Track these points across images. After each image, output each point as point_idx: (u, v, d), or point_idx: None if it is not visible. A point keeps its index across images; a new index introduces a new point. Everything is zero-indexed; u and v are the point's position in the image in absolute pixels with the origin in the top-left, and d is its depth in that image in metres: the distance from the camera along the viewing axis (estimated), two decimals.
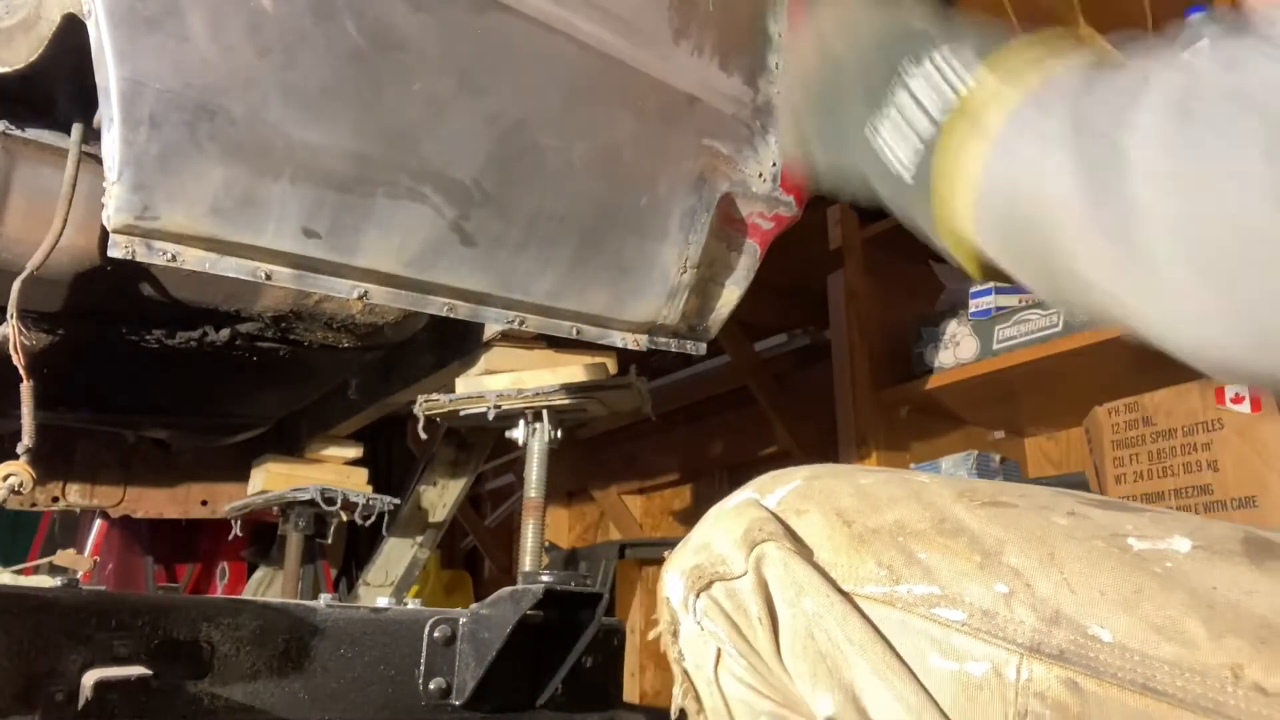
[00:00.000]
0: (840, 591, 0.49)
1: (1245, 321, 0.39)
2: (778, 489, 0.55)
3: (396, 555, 1.97)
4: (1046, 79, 0.47)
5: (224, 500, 2.23)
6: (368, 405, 1.86)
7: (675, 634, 0.55)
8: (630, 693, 2.60)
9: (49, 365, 1.38)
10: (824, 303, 2.02)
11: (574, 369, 1.47)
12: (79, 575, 0.86)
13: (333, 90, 0.96)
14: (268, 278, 0.99)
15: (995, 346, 1.62)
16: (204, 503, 2.32)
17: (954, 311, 1.73)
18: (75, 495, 2.18)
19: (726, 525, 0.53)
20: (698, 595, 0.53)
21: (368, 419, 1.95)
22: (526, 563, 1.44)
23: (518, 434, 1.49)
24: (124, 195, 0.88)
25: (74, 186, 1.06)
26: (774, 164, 1.33)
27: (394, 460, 2.66)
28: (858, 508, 0.52)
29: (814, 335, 2.24)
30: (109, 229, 0.90)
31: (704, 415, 2.62)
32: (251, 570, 2.57)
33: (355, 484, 1.94)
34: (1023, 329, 1.59)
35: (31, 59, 0.95)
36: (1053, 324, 1.54)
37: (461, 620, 1.00)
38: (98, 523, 2.51)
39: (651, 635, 0.57)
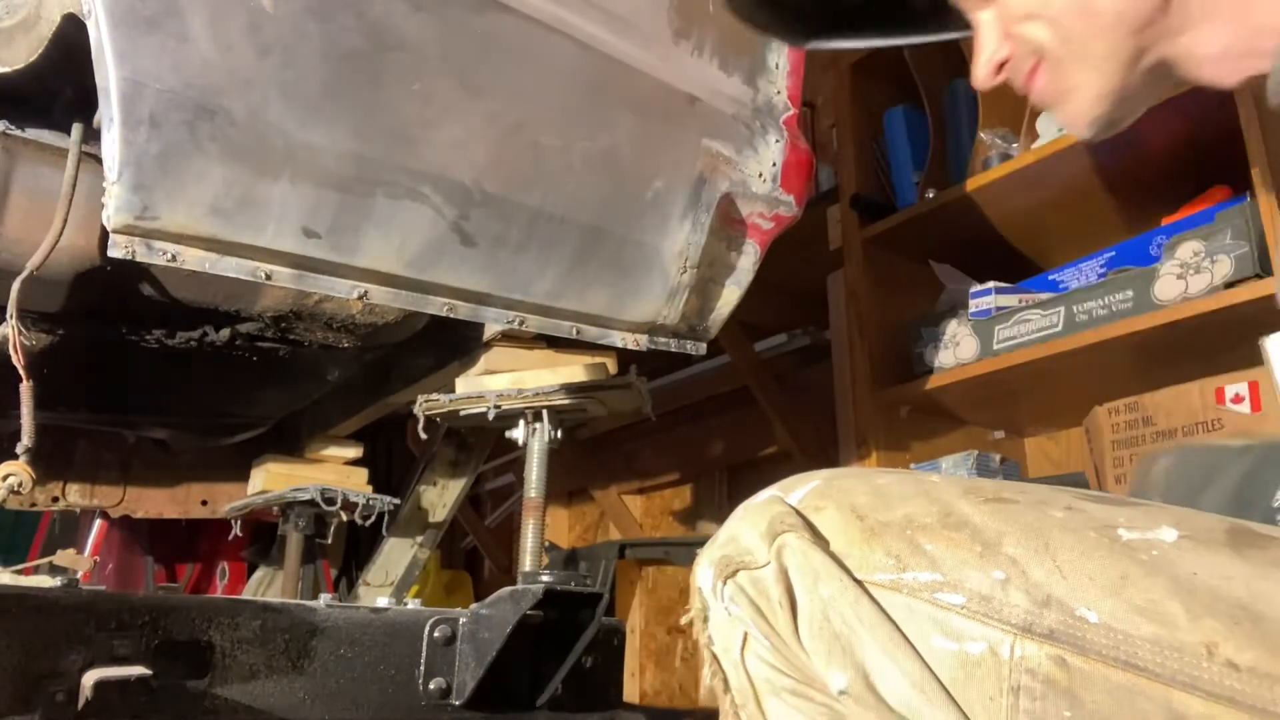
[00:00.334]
0: (853, 579, 0.53)
1: None
2: (800, 488, 0.59)
3: (396, 555, 1.97)
4: None
5: (224, 500, 2.23)
6: (368, 405, 1.86)
7: (705, 620, 0.59)
8: (630, 693, 2.60)
9: (49, 365, 1.38)
10: (824, 303, 2.02)
11: (574, 369, 1.47)
12: (79, 575, 0.86)
13: (333, 90, 0.96)
14: (268, 278, 0.99)
15: (995, 346, 1.62)
16: (204, 503, 2.32)
17: (954, 311, 1.73)
18: (75, 495, 2.18)
19: (752, 520, 0.58)
20: (725, 583, 0.57)
21: (368, 419, 1.95)
22: (526, 563, 1.44)
23: (518, 434, 1.49)
24: (124, 195, 0.88)
25: (74, 186, 1.06)
26: (774, 164, 1.33)
27: (394, 460, 2.66)
28: (871, 504, 0.56)
29: (814, 335, 2.24)
30: (109, 229, 0.90)
31: (704, 415, 2.62)
32: (251, 570, 2.56)
33: (355, 484, 1.94)
34: (1023, 329, 1.59)
35: (31, 59, 0.95)
36: (1053, 324, 1.54)
37: (461, 620, 1.00)
38: (98, 523, 2.50)
39: (683, 621, 0.61)
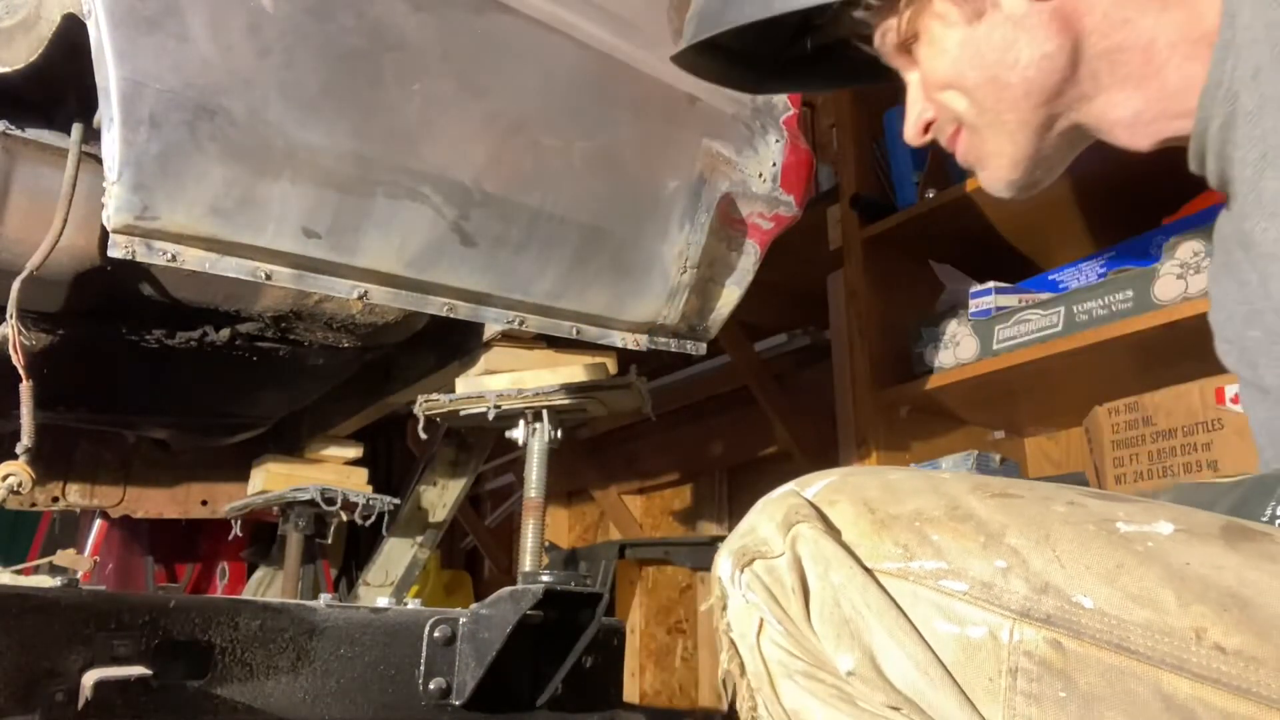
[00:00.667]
0: (863, 567, 0.56)
1: None
2: (816, 483, 0.62)
3: (396, 555, 1.97)
4: None
5: (224, 500, 2.23)
6: (368, 405, 1.86)
7: (724, 607, 0.62)
8: (630, 693, 2.60)
9: (49, 365, 1.38)
10: (824, 303, 2.02)
11: (574, 369, 1.47)
12: (79, 575, 0.86)
13: (333, 90, 0.96)
14: (268, 278, 0.99)
15: (995, 346, 1.62)
16: (204, 503, 2.32)
17: (954, 311, 1.73)
18: (75, 495, 2.18)
19: (770, 512, 0.61)
20: (742, 571, 0.60)
21: (368, 419, 1.96)
22: (526, 563, 1.44)
23: (518, 434, 1.49)
24: (124, 195, 0.88)
25: (74, 186, 1.06)
26: (774, 164, 1.33)
27: (394, 460, 2.66)
28: (882, 498, 0.59)
29: (814, 335, 2.24)
30: (109, 229, 0.90)
31: (704, 415, 2.61)
32: (251, 570, 2.57)
33: (355, 484, 1.94)
34: (1023, 329, 1.59)
35: (31, 59, 0.95)
36: (1053, 324, 1.54)
37: (461, 620, 1.00)
38: (98, 523, 2.50)
39: (703, 608, 0.67)
